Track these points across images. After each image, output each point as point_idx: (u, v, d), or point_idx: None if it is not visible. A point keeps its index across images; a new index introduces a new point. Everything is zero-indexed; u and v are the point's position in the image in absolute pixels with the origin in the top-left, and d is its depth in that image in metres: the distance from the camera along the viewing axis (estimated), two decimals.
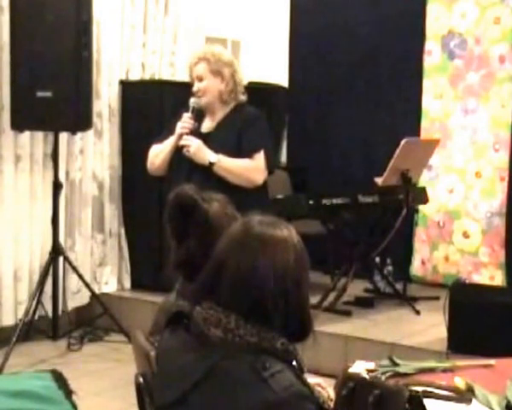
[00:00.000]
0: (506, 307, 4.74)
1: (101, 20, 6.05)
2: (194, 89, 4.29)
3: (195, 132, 4.26)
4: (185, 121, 4.25)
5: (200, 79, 4.27)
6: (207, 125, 4.34)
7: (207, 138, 4.25)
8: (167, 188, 4.17)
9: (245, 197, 3.87)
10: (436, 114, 6.56)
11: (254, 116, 4.30)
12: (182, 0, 6.72)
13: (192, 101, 4.28)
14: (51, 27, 5.27)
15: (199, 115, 4.30)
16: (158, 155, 4.36)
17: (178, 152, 4.25)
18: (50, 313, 5.78)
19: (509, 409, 2.39)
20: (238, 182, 4.15)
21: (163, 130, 4.52)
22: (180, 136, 4.24)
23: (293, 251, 1.90)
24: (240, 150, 4.20)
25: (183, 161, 4.23)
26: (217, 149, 4.19)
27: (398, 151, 5.61)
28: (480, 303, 4.81)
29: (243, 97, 4.36)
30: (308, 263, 1.95)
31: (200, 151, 4.19)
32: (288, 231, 1.93)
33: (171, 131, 4.32)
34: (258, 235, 1.89)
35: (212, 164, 4.15)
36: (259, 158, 4.22)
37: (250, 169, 4.21)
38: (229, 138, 4.22)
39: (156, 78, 6.58)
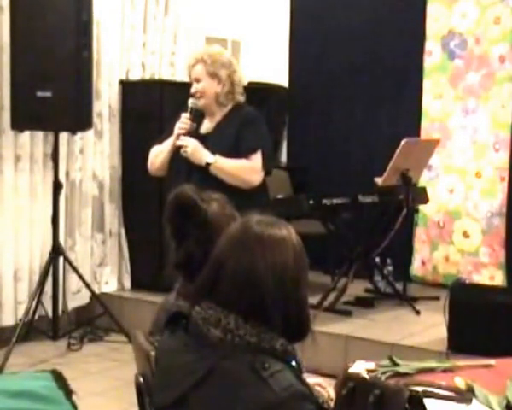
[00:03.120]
0: (506, 307, 4.73)
1: (102, 20, 6.05)
2: (193, 90, 4.29)
3: (194, 133, 4.25)
4: (183, 122, 4.25)
5: (198, 81, 4.27)
6: (206, 126, 4.33)
7: (206, 139, 4.24)
8: (167, 188, 4.18)
9: (244, 197, 3.85)
10: (436, 114, 6.55)
11: (252, 116, 4.29)
12: (182, 0, 6.71)
13: (190, 101, 4.28)
14: (51, 27, 5.27)
15: (197, 116, 4.29)
16: (158, 155, 4.36)
17: (178, 152, 4.25)
18: (50, 313, 5.78)
19: (509, 409, 2.39)
20: (234, 182, 4.14)
21: (163, 130, 4.52)
22: (178, 136, 4.24)
23: (292, 251, 1.90)
24: (237, 151, 4.19)
25: (182, 161, 4.23)
26: (215, 150, 4.18)
27: (398, 151, 5.60)
28: (480, 303, 4.80)
29: (241, 98, 4.35)
30: (307, 263, 1.95)
31: (196, 152, 4.19)
32: (286, 231, 1.93)
33: (171, 132, 4.31)
34: (257, 235, 1.89)
35: (208, 164, 4.15)
36: (256, 158, 4.21)
37: (246, 170, 4.20)
38: (227, 139, 4.22)
39: (156, 78, 6.57)
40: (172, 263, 2.48)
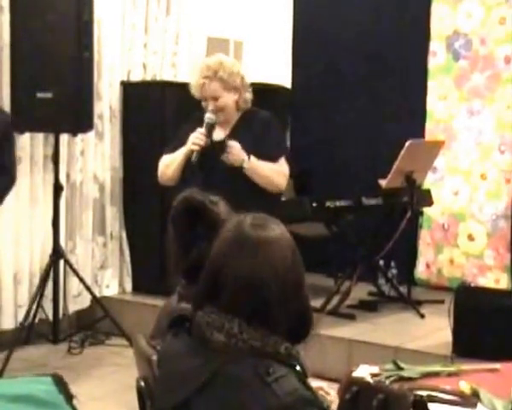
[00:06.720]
0: (511, 311, 4.71)
1: (103, 20, 6.04)
2: (211, 107, 4.15)
3: (206, 147, 4.15)
4: (198, 138, 4.11)
5: (216, 98, 4.17)
6: (219, 133, 4.21)
7: (223, 146, 4.15)
8: (169, 190, 4.14)
9: (270, 202, 3.92)
10: (441, 115, 6.54)
11: (269, 119, 4.24)
12: (183, 0, 6.70)
13: (207, 117, 4.14)
14: (52, 27, 5.25)
15: (211, 130, 4.19)
16: (169, 165, 4.25)
17: (189, 161, 4.15)
18: (51, 317, 5.76)
19: None
20: (265, 185, 4.10)
21: (164, 132, 4.47)
22: (192, 152, 4.11)
23: (289, 250, 1.89)
24: (259, 155, 4.12)
25: (196, 169, 4.13)
26: None
27: (402, 153, 5.58)
28: (485, 306, 4.78)
29: (250, 96, 4.28)
30: (301, 259, 1.94)
31: (239, 152, 4.08)
32: (280, 230, 1.91)
33: (181, 140, 4.19)
34: (254, 238, 1.87)
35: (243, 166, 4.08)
36: (283, 163, 4.18)
37: (278, 173, 4.16)
38: (247, 144, 4.12)
39: (158, 79, 6.57)
40: (183, 266, 2.47)
